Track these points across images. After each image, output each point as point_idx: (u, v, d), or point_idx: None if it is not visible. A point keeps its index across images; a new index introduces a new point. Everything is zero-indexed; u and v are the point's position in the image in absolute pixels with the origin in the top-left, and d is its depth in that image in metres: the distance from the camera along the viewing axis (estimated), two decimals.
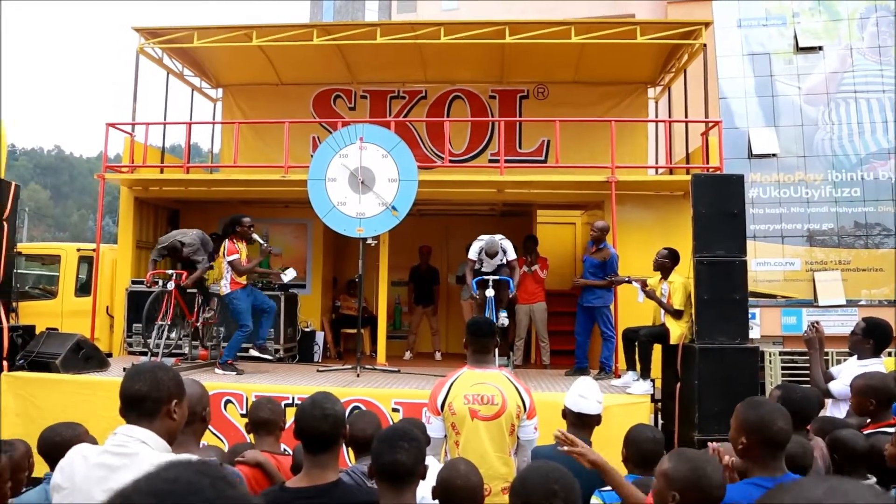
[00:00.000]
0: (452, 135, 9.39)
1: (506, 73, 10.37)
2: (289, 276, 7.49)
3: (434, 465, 2.74)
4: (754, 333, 11.03)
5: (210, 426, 4.55)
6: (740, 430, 2.35)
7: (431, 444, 3.28)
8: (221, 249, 7.10)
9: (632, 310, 6.89)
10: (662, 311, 6.24)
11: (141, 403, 1.95)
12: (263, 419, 3.24)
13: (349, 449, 3.21)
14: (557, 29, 8.63)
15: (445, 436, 3.42)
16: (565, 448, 2.73)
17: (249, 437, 3.40)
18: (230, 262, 6.96)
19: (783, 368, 11.15)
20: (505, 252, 7.26)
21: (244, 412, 5.96)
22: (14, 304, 7.62)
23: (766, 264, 12.06)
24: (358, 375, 7.02)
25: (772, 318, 11.93)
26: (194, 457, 1.78)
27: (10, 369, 6.57)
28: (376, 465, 2.28)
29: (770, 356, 11.16)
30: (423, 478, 2.34)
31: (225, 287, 7.04)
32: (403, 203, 7.37)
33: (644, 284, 6.40)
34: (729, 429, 2.46)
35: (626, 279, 6.78)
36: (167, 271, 7.27)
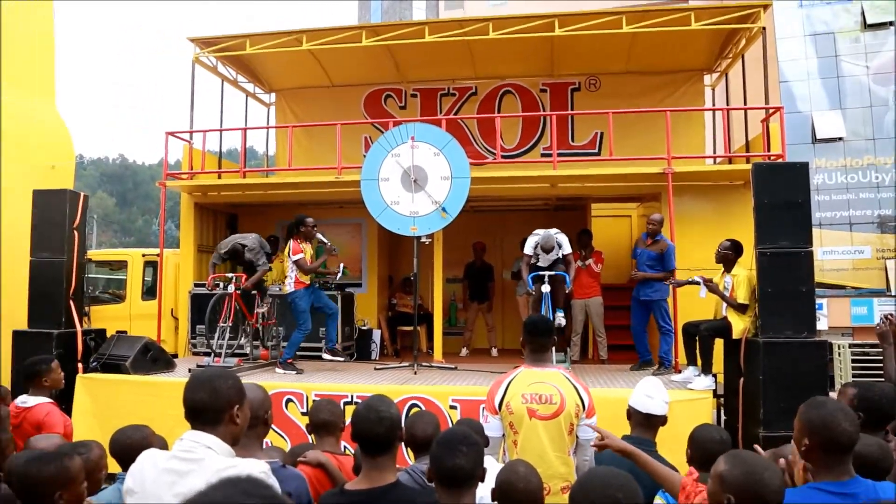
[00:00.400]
0: (504, 130, 9.33)
1: (556, 66, 10.25)
2: (340, 272, 7.66)
3: (493, 466, 2.73)
4: (822, 325, 10.62)
5: (272, 425, 4.66)
6: (803, 432, 2.26)
7: (490, 444, 3.28)
8: (286, 249, 7.25)
9: (691, 303, 6.73)
10: (724, 305, 6.08)
11: (202, 413, 2.02)
12: (323, 420, 3.30)
13: (409, 449, 3.23)
14: (608, 19, 8.48)
15: (503, 435, 3.40)
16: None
17: (311, 438, 3.47)
18: (296, 262, 7.09)
19: (853, 361, 10.71)
20: (560, 246, 7.18)
21: (305, 411, 6.09)
22: (86, 308, 7.93)
23: (832, 253, 11.59)
24: (415, 373, 7.07)
25: (840, 309, 11.47)
26: (248, 468, 1.83)
27: (84, 371, 6.87)
28: (435, 469, 2.28)
29: (839, 349, 10.74)
30: (482, 480, 2.33)
31: (289, 286, 7.18)
32: (456, 201, 7.38)
33: (708, 281, 6.24)
34: None
35: (688, 280, 6.57)
36: (227, 274, 7.46)
